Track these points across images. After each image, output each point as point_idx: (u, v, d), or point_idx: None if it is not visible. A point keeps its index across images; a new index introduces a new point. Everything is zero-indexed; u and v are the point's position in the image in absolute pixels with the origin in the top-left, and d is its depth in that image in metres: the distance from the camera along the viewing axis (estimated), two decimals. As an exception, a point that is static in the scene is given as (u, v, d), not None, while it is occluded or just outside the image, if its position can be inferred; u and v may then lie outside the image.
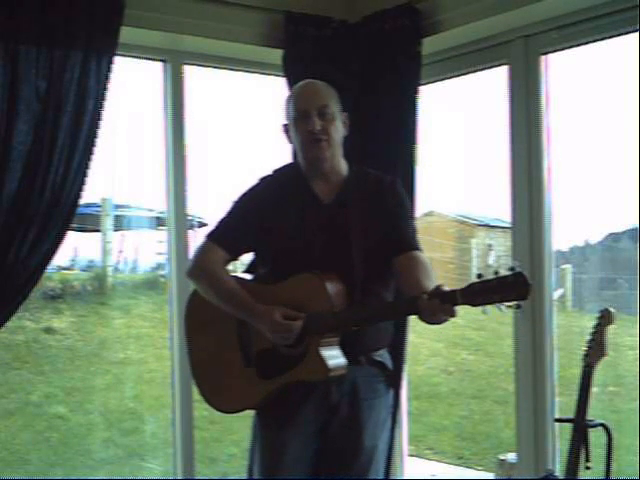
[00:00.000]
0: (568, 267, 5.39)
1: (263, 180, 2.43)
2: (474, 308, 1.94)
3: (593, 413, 2.36)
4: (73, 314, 5.85)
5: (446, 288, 1.98)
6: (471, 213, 7.03)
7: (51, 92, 2.58)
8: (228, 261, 2.36)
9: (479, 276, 1.94)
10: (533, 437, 2.97)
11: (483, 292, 1.92)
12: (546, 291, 2.96)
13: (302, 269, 2.21)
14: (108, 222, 5.63)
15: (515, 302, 1.91)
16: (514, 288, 1.88)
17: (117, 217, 5.78)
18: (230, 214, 2.42)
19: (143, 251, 6.65)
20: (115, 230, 5.82)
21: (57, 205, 2.61)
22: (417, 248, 2.30)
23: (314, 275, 2.19)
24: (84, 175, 2.67)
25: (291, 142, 2.39)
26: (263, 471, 2.32)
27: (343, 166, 2.38)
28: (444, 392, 6.38)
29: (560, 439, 2.90)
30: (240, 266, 2.56)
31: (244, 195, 2.45)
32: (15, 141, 2.51)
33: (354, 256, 2.24)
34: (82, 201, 2.69)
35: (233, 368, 2.32)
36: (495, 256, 6.65)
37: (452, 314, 1.98)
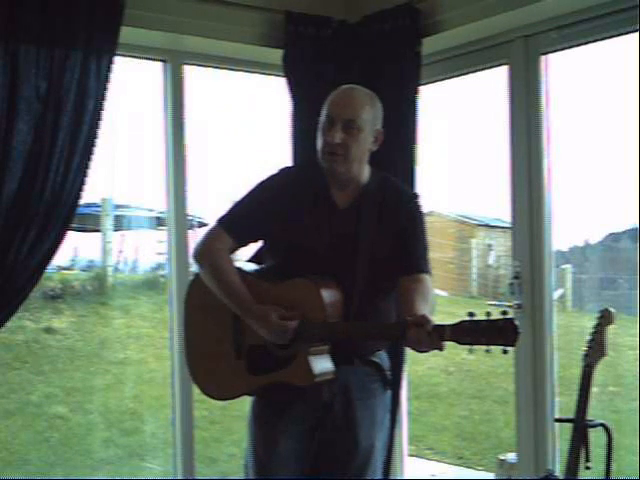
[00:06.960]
0: (568, 267, 5.37)
1: (283, 172, 2.36)
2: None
3: (593, 413, 2.36)
4: (73, 314, 5.84)
5: (434, 321, 1.94)
6: (471, 213, 7.02)
7: (51, 92, 2.58)
8: (234, 249, 2.31)
9: (470, 314, 1.90)
10: (533, 437, 2.97)
11: (471, 332, 1.88)
12: (546, 291, 2.96)
13: (307, 270, 2.19)
14: (108, 222, 5.62)
15: (502, 347, 1.86)
16: (502, 334, 1.84)
17: (117, 217, 5.77)
18: (244, 202, 2.35)
19: (143, 251, 6.63)
20: (115, 230, 5.81)
21: (57, 205, 2.61)
22: (425, 271, 2.26)
23: (311, 281, 2.18)
24: (84, 175, 2.67)
25: None
26: (255, 468, 2.33)
27: (364, 174, 2.30)
28: (444, 392, 6.37)
29: (560, 439, 2.90)
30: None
31: (261, 184, 2.35)
32: (15, 141, 2.52)
33: (358, 265, 2.22)
34: (82, 201, 2.70)
35: (224, 357, 2.31)
36: (495, 256, 6.64)
37: (440, 348, 1.94)
